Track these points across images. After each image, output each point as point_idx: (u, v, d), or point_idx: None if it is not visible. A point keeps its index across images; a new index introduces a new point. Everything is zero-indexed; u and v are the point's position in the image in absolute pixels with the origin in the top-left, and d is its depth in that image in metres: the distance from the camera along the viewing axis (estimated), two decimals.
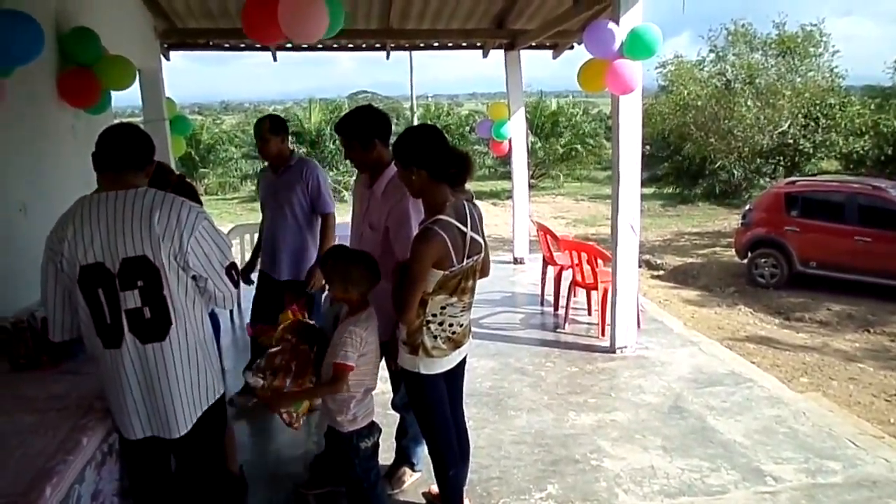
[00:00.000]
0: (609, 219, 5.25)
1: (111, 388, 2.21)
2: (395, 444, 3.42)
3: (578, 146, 24.39)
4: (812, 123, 18.13)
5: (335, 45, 8.00)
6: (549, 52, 8.38)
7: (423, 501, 3.29)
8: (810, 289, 9.77)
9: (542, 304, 6.69)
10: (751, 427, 4.00)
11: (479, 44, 8.28)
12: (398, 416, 3.35)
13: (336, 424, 2.73)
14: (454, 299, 2.57)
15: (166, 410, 2.21)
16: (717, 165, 18.96)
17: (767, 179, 18.14)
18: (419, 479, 3.41)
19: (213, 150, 24.68)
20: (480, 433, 3.91)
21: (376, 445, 2.87)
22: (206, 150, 24.54)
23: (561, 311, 6.16)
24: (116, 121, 3.04)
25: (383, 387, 3.02)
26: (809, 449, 3.73)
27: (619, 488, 3.38)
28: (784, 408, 4.26)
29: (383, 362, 2.89)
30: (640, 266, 7.07)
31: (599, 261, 5.72)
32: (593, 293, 5.98)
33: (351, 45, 8.19)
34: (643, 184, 5.65)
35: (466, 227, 2.52)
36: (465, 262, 2.52)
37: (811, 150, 18.47)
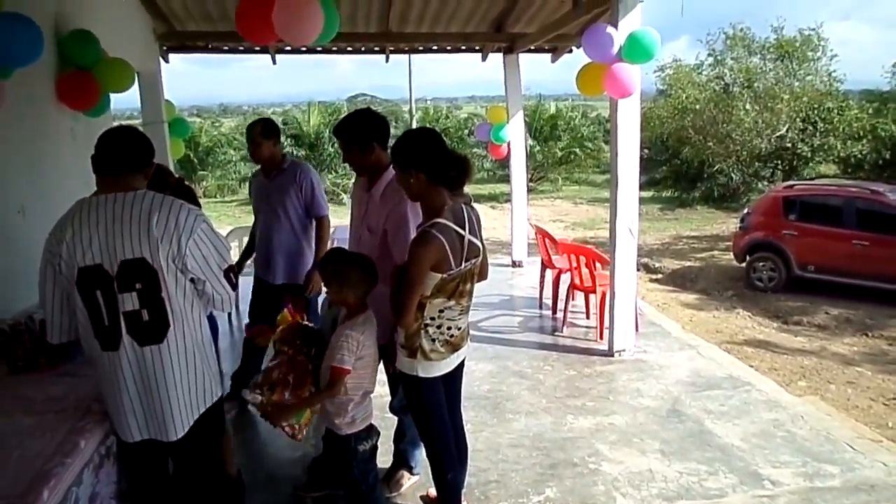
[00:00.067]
0: (607, 222, 5.25)
1: (108, 390, 2.21)
2: (393, 448, 3.41)
3: (577, 150, 24.42)
4: (810, 127, 18.18)
5: (334, 48, 8.01)
6: (548, 56, 8.39)
7: None
8: (808, 292, 9.78)
9: (540, 308, 6.69)
10: (749, 431, 4.00)
11: (477, 47, 8.29)
12: (396, 419, 3.35)
13: (334, 427, 2.74)
14: (452, 302, 2.57)
15: (163, 413, 2.21)
16: (715, 169, 19.00)
17: (766, 183, 18.17)
18: (417, 482, 3.40)
19: (211, 152, 24.70)
20: (478, 436, 3.91)
21: (374, 448, 2.88)
22: (204, 152, 24.55)
23: (559, 315, 6.17)
24: (115, 123, 3.05)
25: (381, 390, 3.02)
26: (807, 452, 3.73)
27: (617, 492, 3.38)
28: (782, 411, 4.26)
29: (382, 365, 2.89)
30: (638, 269, 7.07)
31: (598, 264, 5.72)
32: (591, 296, 5.98)
33: (350, 48, 8.20)
34: (641, 187, 5.66)
35: (464, 230, 2.52)
36: (463, 266, 2.52)
37: (809, 154, 18.52)
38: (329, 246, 4.21)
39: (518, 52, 8.00)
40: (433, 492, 3.07)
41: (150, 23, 6.53)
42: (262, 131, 4.00)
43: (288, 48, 7.41)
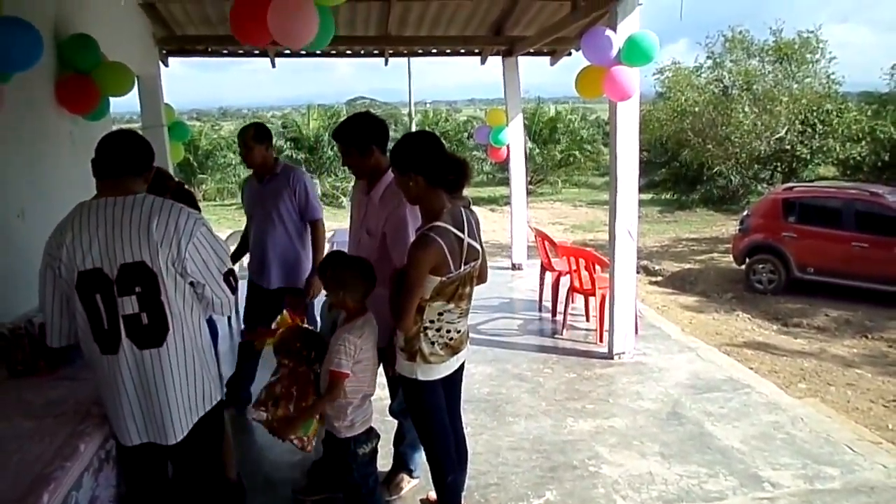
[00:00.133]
0: (607, 225, 5.26)
1: (108, 393, 2.21)
2: (392, 451, 3.41)
3: (576, 152, 24.47)
4: (809, 130, 18.20)
5: (333, 52, 8.02)
6: (547, 59, 8.40)
7: None
8: (808, 295, 9.77)
9: (539, 310, 6.69)
10: (749, 433, 4.00)
11: (476, 50, 8.31)
12: (396, 422, 3.34)
13: (334, 430, 2.74)
14: (451, 305, 2.57)
15: (162, 416, 2.21)
16: (714, 171, 19.02)
17: (765, 185, 18.20)
18: (417, 485, 3.40)
19: (211, 156, 24.74)
20: (478, 439, 3.91)
21: (374, 451, 2.88)
22: (204, 156, 24.59)
23: (559, 317, 6.17)
24: (115, 127, 3.05)
25: (381, 393, 3.02)
26: (807, 455, 3.73)
27: (617, 494, 3.38)
28: (782, 414, 4.26)
29: (381, 368, 2.89)
30: (637, 272, 7.07)
31: (597, 267, 5.72)
32: (591, 299, 5.99)
33: (349, 51, 8.22)
34: (641, 190, 5.67)
35: (463, 233, 2.52)
36: (462, 269, 2.53)
37: (808, 157, 18.54)
38: (328, 249, 4.22)
39: (517, 55, 8.01)
40: (433, 495, 3.07)
41: (149, 27, 6.55)
42: (254, 136, 3.99)
43: (287, 51, 7.42)
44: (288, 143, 24.55)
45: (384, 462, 3.31)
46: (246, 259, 4.45)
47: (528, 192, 9.97)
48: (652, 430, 4.07)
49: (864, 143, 17.80)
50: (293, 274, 4.08)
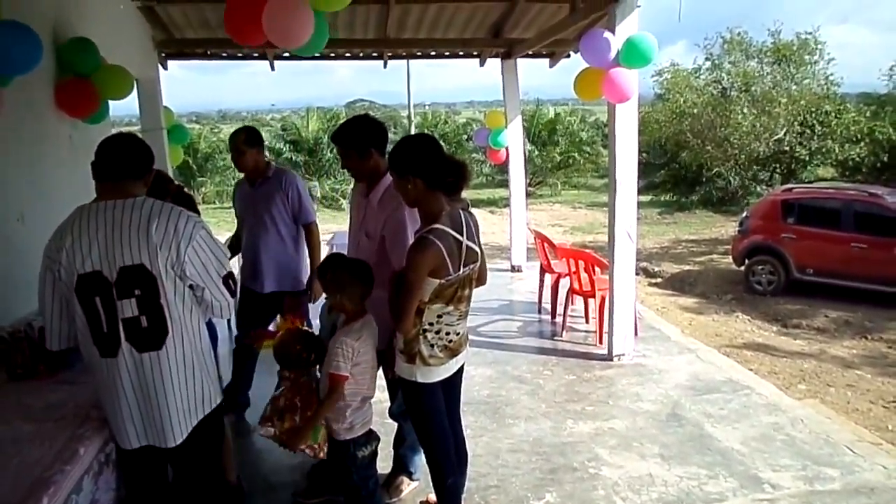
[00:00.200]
0: (606, 226, 5.26)
1: (107, 397, 2.21)
2: (392, 453, 3.41)
3: (575, 154, 24.47)
4: (808, 131, 18.20)
5: (332, 54, 8.04)
6: (546, 61, 8.42)
7: None
8: (807, 296, 9.77)
9: (539, 312, 6.69)
10: (748, 434, 4.00)
11: (475, 52, 8.32)
12: (396, 424, 3.34)
13: (333, 432, 2.74)
14: (451, 308, 2.57)
15: (162, 419, 2.21)
16: (713, 173, 19.02)
17: (764, 187, 18.18)
18: (417, 487, 3.40)
19: (210, 158, 24.72)
20: (478, 441, 3.90)
21: (374, 454, 2.88)
22: (203, 158, 24.57)
23: (558, 319, 6.17)
24: (114, 130, 3.06)
25: (381, 395, 3.02)
26: (807, 456, 3.73)
27: (617, 496, 3.38)
28: (782, 415, 4.26)
29: (381, 371, 2.89)
30: (637, 273, 7.07)
31: (597, 268, 5.73)
32: (591, 301, 5.99)
33: (348, 54, 8.23)
34: (640, 191, 5.67)
35: (462, 235, 2.52)
36: (461, 271, 2.53)
37: (807, 158, 18.53)
38: (328, 251, 4.21)
39: (516, 58, 8.02)
40: (433, 497, 3.06)
41: (148, 30, 6.55)
42: (245, 140, 3.97)
43: (286, 54, 7.43)
44: (287, 145, 24.54)
45: (384, 464, 3.31)
46: (236, 262, 4.43)
47: (528, 194, 10.00)
48: (652, 432, 4.07)
49: (862, 144, 17.79)
50: (286, 277, 4.06)
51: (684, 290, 10.94)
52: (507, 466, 3.69)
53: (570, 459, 3.75)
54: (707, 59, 19.46)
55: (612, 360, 5.22)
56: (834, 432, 4.03)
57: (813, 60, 18.44)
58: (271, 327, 3.77)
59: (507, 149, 8.27)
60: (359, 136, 2.98)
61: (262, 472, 3.64)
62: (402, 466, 3.40)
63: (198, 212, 3.16)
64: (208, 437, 2.39)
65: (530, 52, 7.88)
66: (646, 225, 16.48)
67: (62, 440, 2.18)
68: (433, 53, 8.40)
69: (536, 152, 23.48)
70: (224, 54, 7.81)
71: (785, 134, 18.06)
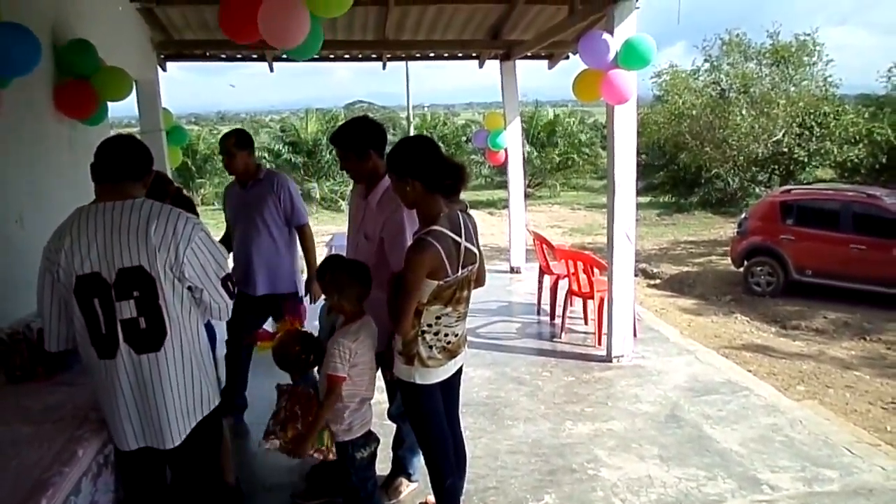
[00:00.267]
0: (605, 228, 5.27)
1: (105, 398, 2.21)
2: (391, 455, 3.41)
3: (574, 155, 24.48)
4: (806, 132, 18.22)
5: (331, 56, 8.05)
6: (545, 63, 8.43)
7: None
8: (806, 297, 9.78)
9: (538, 314, 6.69)
10: (747, 435, 4.01)
11: (474, 54, 8.33)
12: (395, 425, 3.34)
13: (332, 434, 2.74)
14: (449, 309, 2.57)
15: (160, 421, 2.21)
16: (712, 174, 19.03)
17: (763, 188, 18.19)
18: (416, 489, 3.40)
19: (209, 160, 24.64)
20: (477, 443, 3.90)
21: (373, 455, 2.88)
22: (202, 160, 24.53)
23: (557, 321, 6.17)
24: (113, 131, 3.06)
25: (380, 396, 3.02)
26: (806, 457, 3.74)
27: (616, 497, 3.38)
28: (780, 416, 4.27)
29: (380, 372, 2.89)
30: (636, 275, 7.07)
31: (596, 270, 5.73)
32: (590, 302, 5.99)
33: (347, 56, 8.24)
34: (639, 193, 5.67)
35: (461, 237, 2.52)
36: (459, 273, 2.53)
37: (806, 159, 18.55)
38: (327, 253, 4.19)
39: (515, 59, 8.04)
40: (432, 499, 3.06)
41: (147, 32, 6.55)
42: (236, 142, 3.95)
43: (284, 56, 7.43)
44: (286, 146, 24.53)
45: (383, 466, 3.31)
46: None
47: (527, 196, 10.01)
48: (650, 433, 4.07)
49: (861, 145, 17.81)
50: (278, 280, 4.04)
51: (683, 292, 10.94)
52: (505, 468, 3.69)
53: (569, 461, 3.75)
54: (706, 60, 19.49)
55: (610, 361, 5.22)
56: (833, 433, 4.03)
57: (811, 62, 18.44)
58: (270, 329, 3.77)
59: (505, 150, 8.28)
60: (357, 137, 2.98)
61: (260, 474, 3.63)
62: (400, 468, 3.40)
63: (197, 213, 3.15)
64: (207, 438, 2.39)
65: (529, 54, 7.89)
66: (645, 226, 16.49)
67: (61, 442, 2.18)
68: (432, 55, 8.40)
69: (535, 154, 23.49)
70: (223, 55, 7.81)
71: (783, 135, 18.07)
